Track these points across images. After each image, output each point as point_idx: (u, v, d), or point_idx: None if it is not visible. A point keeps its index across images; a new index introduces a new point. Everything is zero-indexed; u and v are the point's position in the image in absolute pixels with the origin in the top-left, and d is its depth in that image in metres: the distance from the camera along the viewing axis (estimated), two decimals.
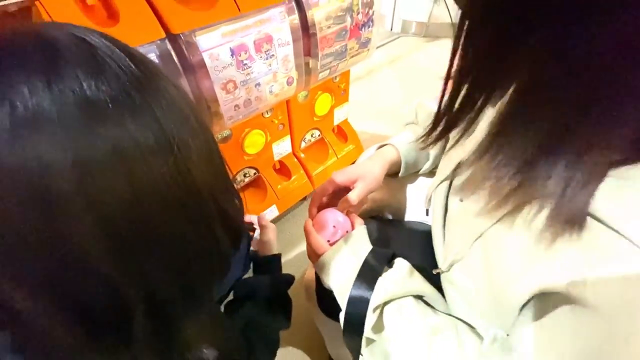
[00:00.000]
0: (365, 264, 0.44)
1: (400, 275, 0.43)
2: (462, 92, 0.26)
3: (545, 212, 0.25)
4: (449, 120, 0.29)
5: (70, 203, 0.19)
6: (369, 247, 0.46)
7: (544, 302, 0.27)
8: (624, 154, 0.22)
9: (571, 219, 0.23)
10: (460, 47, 0.25)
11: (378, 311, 0.41)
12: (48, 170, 0.18)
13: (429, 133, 0.32)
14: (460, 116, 0.28)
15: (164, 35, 0.55)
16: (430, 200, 0.49)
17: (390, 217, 0.69)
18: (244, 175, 0.98)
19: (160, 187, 0.22)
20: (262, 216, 0.56)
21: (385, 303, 0.41)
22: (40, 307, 0.21)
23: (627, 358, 0.22)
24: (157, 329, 0.25)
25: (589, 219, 0.22)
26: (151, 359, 0.26)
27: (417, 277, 0.44)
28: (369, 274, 0.43)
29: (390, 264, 0.45)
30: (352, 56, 0.90)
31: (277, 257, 0.52)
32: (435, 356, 0.37)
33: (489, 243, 0.32)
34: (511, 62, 0.24)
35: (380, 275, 0.43)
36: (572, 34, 0.20)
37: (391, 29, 2.25)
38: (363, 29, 0.87)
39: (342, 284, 0.44)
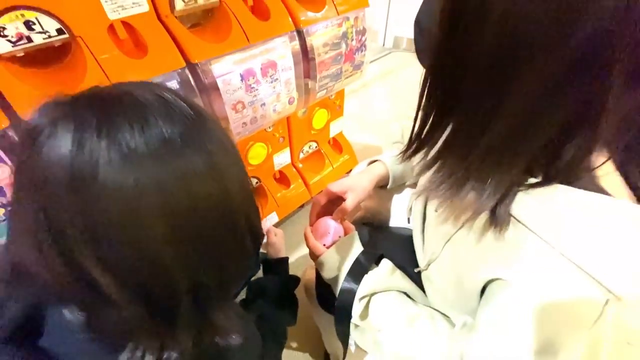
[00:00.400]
0: (356, 262, 0.52)
1: (383, 273, 0.51)
2: (427, 124, 0.35)
3: (482, 219, 0.33)
4: (417, 143, 0.38)
5: (151, 214, 0.26)
6: (360, 248, 0.55)
7: (491, 287, 0.35)
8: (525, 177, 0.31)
9: (495, 222, 0.31)
10: (425, 91, 0.34)
11: (364, 301, 0.49)
12: (140, 190, 0.26)
13: (404, 152, 0.41)
14: (424, 140, 0.37)
15: (184, 64, 0.63)
16: (411, 209, 0.58)
17: (380, 223, 0.77)
18: None
19: (209, 202, 0.29)
20: (271, 226, 0.64)
21: (372, 294, 0.49)
22: (119, 291, 0.28)
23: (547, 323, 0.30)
24: (195, 314, 0.31)
25: (513, 220, 0.31)
26: (187, 338, 0.31)
27: (398, 274, 0.52)
28: (358, 271, 0.51)
29: (377, 263, 0.54)
30: (347, 77, 0.99)
31: (285, 260, 0.59)
32: (414, 340, 0.45)
33: (455, 245, 0.41)
34: (451, 109, 0.33)
35: (367, 272, 0.51)
36: (482, 95, 0.29)
37: (383, 45, 2.37)
38: (357, 54, 0.96)
39: (336, 278, 0.52)
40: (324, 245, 0.57)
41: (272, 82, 0.78)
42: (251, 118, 0.79)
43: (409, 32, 2.25)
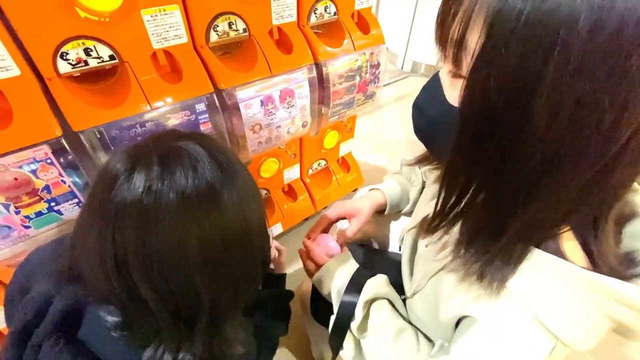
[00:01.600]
0: (352, 279, 0.58)
1: (381, 281, 0.56)
2: (448, 203, 0.38)
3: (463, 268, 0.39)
4: (439, 220, 0.40)
5: (191, 247, 0.34)
6: (356, 266, 0.60)
7: (464, 322, 0.40)
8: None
9: (479, 275, 0.37)
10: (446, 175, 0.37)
11: (367, 308, 0.53)
12: (187, 229, 0.34)
13: (428, 225, 0.43)
14: (446, 218, 0.39)
15: (212, 89, 0.72)
16: (402, 239, 0.64)
17: (376, 246, 0.83)
18: None
19: (235, 240, 0.37)
20: (280, 246, 0.70)
21: (372, 300, 0.54)
22: (157, 302, 0.35)
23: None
24: (210, 326, 0.38)
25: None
26: (200, 345, 0.38)
27: (391, 287, 0.57)
28: (356, 286, 0.56)
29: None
30: (358, 105, 1.06)
31: (284, 276, 0.66)
32: (398, 349, 0.50)
33: (439, 281, 0.46)
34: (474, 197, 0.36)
35: (365, 283, 0.56)
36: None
37: (402, 68, 2.45)
38: (370, 85, 1.03)
39: (338, 288, 0.57)
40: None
41: (288, 107, 0.86)
42: (266, 138, 0.86)
43: (427, 58, 2.32)
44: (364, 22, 0.98)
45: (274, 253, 0.67)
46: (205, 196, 0.34)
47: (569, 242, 0.35)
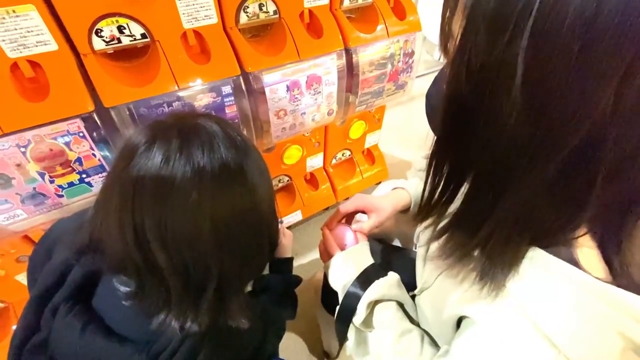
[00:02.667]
0: (365, 271, 0.56)
1: (390, 282, 0.55)
2: (435, 192, 0.38)
3: (468, 268, 0.37)
4: (427, 210, 0.40)
5: (204, 218, 0.36)
6: (371, 261, 0.59)
7: (464, 322, 0.38)
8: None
9: (490, 284, 0.34)
10: (432, 162, 0.37)
11: (370, 308, 0.52)
12: (200, 199, 0.35)
13: (415, 216, 0.44)
14: (433, 207, 0.39)
15: (239, 72, 0.71)
16: (418, 237, 0.61)
17: (398, 243, 0.80)
18: (279, 181, 1.14)
19: (244, 215, 0.38)
20: (282, 225, 0.70)
21: (376, 302, 0.53)
22: (169, 266, 0.37)
23: None
24: (216, 298, 0.39)
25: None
26: (206, 316, 0.39)
27: (403, 288, 0.56)
28: (365, 279, 0.55)
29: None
30: (388, 95, 1.02)
31: (290, 260, 0.65)
32: (399, 350, 0.49)
33: (444, 281, 0.44)
34: (456, 185, 0.36)
35: (373, 281, 0.55)
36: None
37: (439, 59, 2.33)
38: (401, 74, 0.99)
39: (344, 282, 0.56)
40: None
41: (314, 94, 0.84)
42: (290, 124, 0.85)
43: None
44: (400, 7, 0.93)
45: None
46: (219, 171, 0.36)
47: (585, 249, 0.32)
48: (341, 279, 0.57)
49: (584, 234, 0.31)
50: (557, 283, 0.30)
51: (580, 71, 0.23)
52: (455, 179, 0.36)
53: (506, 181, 0.30)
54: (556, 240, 0.32)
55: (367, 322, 0.53)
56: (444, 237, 0.39)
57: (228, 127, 0.39)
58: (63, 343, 0.39)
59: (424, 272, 0.54)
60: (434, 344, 0.51)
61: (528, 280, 0.32)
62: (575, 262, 0.31)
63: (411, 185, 0.70)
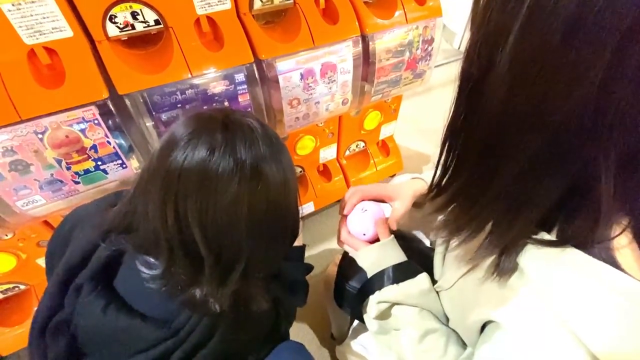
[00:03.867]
0: (401, 265, 0.54)
1: (418, 290, 0.51)
2: (447, 173, 0.37)
3: (488, 261, 0.35)
4: (437, 190, 0.40)
5: (241, 208, 0.38)
6: (404, 258, 0.56)
7: (489, 327, 0.37)
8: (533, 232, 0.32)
9: (498, 271, 0.33)
10: (446, 142, 0.36)
11: (383, 305, 0.51)
12: (239, 190, 0.37)
13: (426, 196, 0.43)
14: (444, 188, 0.38)
15: (252, 59, 0.70)
16: (435, 234, 0.59)
17: (426, 241, 0.77)
18: None
19: (276, 206, 0.41)
20: None
21: (395, 304, 0.51)
22: (205, 246, 0.39)
23: None
24: (239, 281, 0.41)
25: (520, 268, 0.32)
26: (228, 297, 0.41)
27: (433, 297, 0.52)
28: (401, 272, 0.53)
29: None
30: (405, 84, 0.99)
31: (302, 248, 0.65)
32: (423, 350, 0.47)
33: (466, 283, 0.42)
34: (466, 161, 0.35)
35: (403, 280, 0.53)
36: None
37: (459, 48, 2.24)
38: (420, 62, 0.95)
39: (373, 267, 0.55)
40: (364, 234, 0.59)
41: (329, 83, 0.82)
42: (304, 114, 0.84)
43: None
44: None
45: None
46: (257, 164, 0.39)
47: (624, 250, 0.29)
48: (371, 264, 0.55)
49: (620, 233, 0.28)
50: (598, 288, 0.28)
51: (574, 42, 0.23)
52: (465, 155, 0.35)
53: (502, 152, 0.30)
54: (589, 240, 0.29)
55: (385, 315, 0.52)
56: (446, 211, 0.39)
57: (264, 124, 0.43)
58: (85, 321, 0.41)
59: (443, 272, 0.52)
60: (460, 341, 0.49)
61: (563, 282, 0.30)
62: (615, 265, 0.28)
63: (429, 177, 0.68)
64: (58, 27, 0.55)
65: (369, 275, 0.54)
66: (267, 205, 0.40)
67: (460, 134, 0.34)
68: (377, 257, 0.56)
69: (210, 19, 0.67)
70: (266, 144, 0.40)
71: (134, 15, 0.60)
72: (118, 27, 0.60)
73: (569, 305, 0.29)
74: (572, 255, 0.30)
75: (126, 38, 0.63)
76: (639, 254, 0.29)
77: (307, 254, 1.20)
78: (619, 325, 0.27)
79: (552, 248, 0.31)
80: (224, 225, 0.38)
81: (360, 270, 0.58)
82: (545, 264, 0.31)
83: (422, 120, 1.75)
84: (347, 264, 0.67)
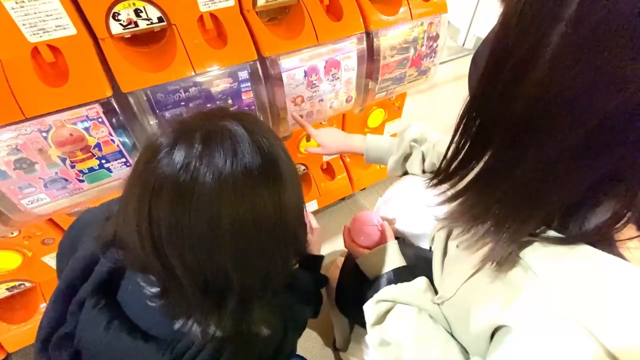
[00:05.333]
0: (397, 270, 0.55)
1: (414, 289, 0.52)
2: (457, 157, 0.35)
3: (488, 265, 0.34)
4: (445, 174, 0.38)
5: (223, 229, 0.33)
6: (403, 263, 0.57)
7: (499, 333, 0.35)
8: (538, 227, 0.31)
9: (499, 262, 0.32)
10: (461, 124, 0.34)
11: (383, 305, 0.50)
12: (219, 209, 0.33)
13: (431, 179, 0.41)
14: (453, 172, 0.37)
15: (256, 57, 0.69)
16: (433, 239, 0.58)
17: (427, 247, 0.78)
18: None
19: (268, 226, 0.36)
20: (312, 217, 0.69)
21: (394, 303, 0.51)
22: (187, 278, 0.35)
23: None
24: (238, 305, 0.38)
25: (524, 266, 0.32)
26: (228, 322, 0.38)
27: (429, 296, 0.51)
28: (398, 278, 0.54)
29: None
30: (410, 82, 0.98)
31: (320, 259, 0.63)
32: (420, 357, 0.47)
33: (470, 286, 0.41)
34: (482, 147, 0.33)
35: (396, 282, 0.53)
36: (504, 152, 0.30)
37: (463, 45, 2.22)
38: (424, 59, 0.94)
39: (372, 271, 0.56)
40: (362, 240, 0.62)
41: (333, 80, 0.81)
42: (308, 112, 0.83)
43: None
44: None
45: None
46: (241, 180, 0.34)
47: (634, 251, 0.29)
48: (372, 269, 0.56)
49: (635, 237, 0.28)
50: (611, 282, 0.27)
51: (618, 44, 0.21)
52: (482, 139, 0.33)
53: (532, 139, 0.28)
54: (600, 241, 0.29)
55: (380, 320, 0.51)
56: (458, 201, 0.37)
57: (256, 131, 0.36)
58: (88, 337, 0.39)
59: (442, 280, 0.51)
60: (461, 350, 0.47)
61: (574, 278, 0.29)
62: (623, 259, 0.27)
63: (378, 140, 0.74)
64: (62, 25, 0.55)
65: (370, 278, 0.54)
66: (254, 226, 0.35)
67: (485, 114, 0.31)
68: (376, 262, 0.56)
69: (213, 16, 0.67)
70: (253, 156, 0.35)
71: (137, 12, 0.60)
72: (121, 25, 0.60)
73: (581, 302, 0.28)
74: (583, 251, 0.29)
75: (129, 36, 0.63)
76: None
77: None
78: (635, 319, 0.26)
79: (560, 245, 0.30)
80: (202, 248, 0.34)
81: (362, 275, 0.58)
82: (555, 261, 0.30)
83: (426, 117, 1.74)
84: (349, 269, 0.67)
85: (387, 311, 0.52)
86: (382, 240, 0.61)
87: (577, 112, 0.24)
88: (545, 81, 0.25)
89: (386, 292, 0.51)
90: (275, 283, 0.41)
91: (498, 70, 0.28)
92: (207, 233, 0.33)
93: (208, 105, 0.69)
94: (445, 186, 0.39)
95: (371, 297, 0.53)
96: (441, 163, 0.38)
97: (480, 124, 0.32)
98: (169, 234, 0.33)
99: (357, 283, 0.62)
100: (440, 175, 0.38)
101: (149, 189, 0.33)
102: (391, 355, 0.51)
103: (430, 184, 0.40)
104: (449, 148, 0.36)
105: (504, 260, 0.32)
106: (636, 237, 0.28)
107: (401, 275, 0.55)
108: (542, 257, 0.31)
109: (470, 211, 0.35)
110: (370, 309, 0.51)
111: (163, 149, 0.34)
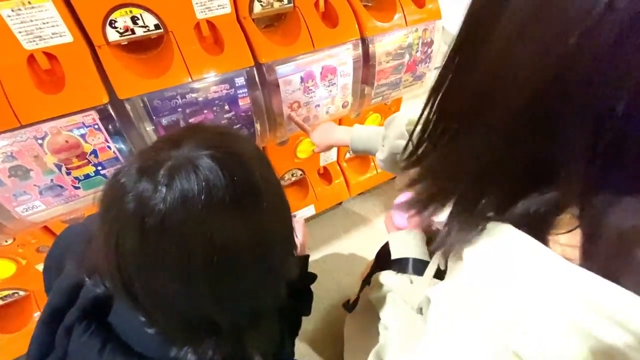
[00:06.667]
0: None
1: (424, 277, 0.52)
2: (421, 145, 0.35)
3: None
4: (410, 162, 0.37)
5: (195, 264, 0.31)
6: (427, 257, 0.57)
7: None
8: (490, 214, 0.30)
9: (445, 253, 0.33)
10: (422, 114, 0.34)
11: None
12: (188, 243, 0.31)
13: (402, 163, 0.40)
14: (416, 161, 0.36)
15: (253, 63, 0.70)
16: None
17: None
18: (292, 175, 1.13)
19: (249, 257, 0.34)
20: (301, 220, 0.69)
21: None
22: (159, 314, 0.35)
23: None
24: (231, 335, 0.37)
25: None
26: (222, 350, 0.37)
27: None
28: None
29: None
30: (405, 87, 0.99)
31: (307, 257, 0.65)
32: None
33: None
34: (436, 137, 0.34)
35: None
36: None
37: None
38: (420, 65, 0.95)
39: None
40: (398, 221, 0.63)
41: (329, 85, 0.81)
42: (304, 117, 0.84)
43: None
44: None
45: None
46: (212, 215, 0.31)
47: (565, 240, 0.27)
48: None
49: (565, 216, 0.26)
50: (516, 257, 0.26)
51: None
52: (446, 115, 0.33)
53: (484, 114, 0.28)
54: (525, 222, 0.27)
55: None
56: (417, 186, 0.36)
57: (231, 158, 0.34)
58: None
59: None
60: None
61: (481, 251, 0.28)
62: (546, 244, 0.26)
63: (362, 130, 0.71)
64: (58, 33, 0.55)
65: (393, 257, 0.57)
66: (232, 260, 0.33)
67: (447, 92, 0.32)
68: (403, 243, 0.58)
69: (210, 23, 0.67)
70: (225, 188, 0.32)
71: (134, 20, 0.60)
72: (118, 32, 0.60)
73: (483, 272, 0.28)
74: (500, 227, 0.28)
75: (126, 42, 0.63)
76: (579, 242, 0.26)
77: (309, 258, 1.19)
78: (528, 300, 0.24)
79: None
80: (176, 289, 0.32)
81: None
82: (475, 243, 0.30)
83: None
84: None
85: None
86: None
87: (522, 76, 0.25)
88: (492, 55, 0.27)
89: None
90: (266, 310, 0.40)
91: (462, 43, 0.31)
92: (178, 272, 0.32)
93: (205, 111, 0.69)
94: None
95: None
96: (405, 148, 0.39)
97: (444, 102, 0.32)
98: (138, 275, 0.32)
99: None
100: (411, 158, 0.37)
101: (115, 223, 0.32)
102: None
103: (402, 169, 0.39)
104: (414, 129, 0.36)
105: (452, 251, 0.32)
106: (568, 231, 0.26)
107: (417, 268, 0.55)
108: (474, 249, 0.30)
109: (426, 194, 0.35)
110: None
111: (128, 184, 0.32)
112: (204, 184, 0.31)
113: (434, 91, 0.33)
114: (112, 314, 0.40)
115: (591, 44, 0.21)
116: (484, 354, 0.25)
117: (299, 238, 0.64)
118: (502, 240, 0.27)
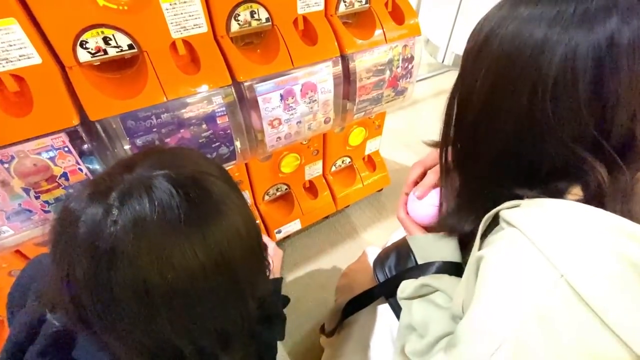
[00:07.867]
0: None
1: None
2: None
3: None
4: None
5: (154, 294, 0.30)
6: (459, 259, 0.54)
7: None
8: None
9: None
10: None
11: (422, 288, 0.50)
12: (143, 273, 0.30)
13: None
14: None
15: (230, 82, 0.69)
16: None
17: None
18: (277, 190, 1.11)
19: (211, 283, 0.33)
20: (272, 244, 0.67)
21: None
22: (121, 348, 0.33)
23: None
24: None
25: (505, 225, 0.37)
26: None
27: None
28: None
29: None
30: (387, 102, 0.99)
31: (280, 280, 0.63)
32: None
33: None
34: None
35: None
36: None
37: (442, 62, 2.29)
38: (401, 80, 0.96)
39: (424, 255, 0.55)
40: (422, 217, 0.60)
41: (310, 102, 0.81)
42: (286, 134, 0.83)
43: None
44: (398, 12, 0.90)
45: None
46: (166, 238, 0.30)
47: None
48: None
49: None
50: (555, 210, 0.34)
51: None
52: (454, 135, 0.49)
53: (478, 140, 0.42)
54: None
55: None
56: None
57: (188, 180, 0.33)
58: None
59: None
60: None
61: (529, 211, 0.35)
62: None
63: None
64: (26, 55, 0.53)
65: (419, 262, 0.54)
66: (192, 285, 0.32)
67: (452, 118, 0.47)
68: (431, 247, 0.54)
69: (186, 42, 0.67)
70: (180, 209, 0.31)
71: (106, 40, 0.59)
72: (89, 53, 0.59)
73: (533, 227, 0.33)
74: (534, 200, 0.37)
75: (99, 63, 0.62)
76: None
77: (294, 275, 1.18)
78: (571, 239, 0.31)
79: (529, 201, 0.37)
80: (135, 322, 0.31)
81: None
82: (524, 209, 0.36)
83: (408, 133, 1.76)
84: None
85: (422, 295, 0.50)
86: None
87: (497, 119, 0.38)
88: (480, 99, 0.39)
89: (435, 281, 0.49)
90: (237, 332, 0.38)
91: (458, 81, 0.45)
92: (134, 299, 0.30)
93: (181, 130, 0.68)
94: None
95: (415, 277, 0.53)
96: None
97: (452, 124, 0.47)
98: (93, 306, 0.30)
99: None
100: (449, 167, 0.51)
101: (65, 261, 0.31)
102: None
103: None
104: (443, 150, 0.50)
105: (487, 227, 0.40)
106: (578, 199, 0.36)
107: (451, 270, 0.53)
108: (514, 211, 0.37)
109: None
110: (409, 287, 0.50)
111: (77, 210, 0.31)
112: (156, 204, 0.30)
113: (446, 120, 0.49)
114: (76, 349, 0.38)
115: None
116: (542, 283, 0.30)
117: (271, 263, 0.63)
118: (546, 202, 0.35)
